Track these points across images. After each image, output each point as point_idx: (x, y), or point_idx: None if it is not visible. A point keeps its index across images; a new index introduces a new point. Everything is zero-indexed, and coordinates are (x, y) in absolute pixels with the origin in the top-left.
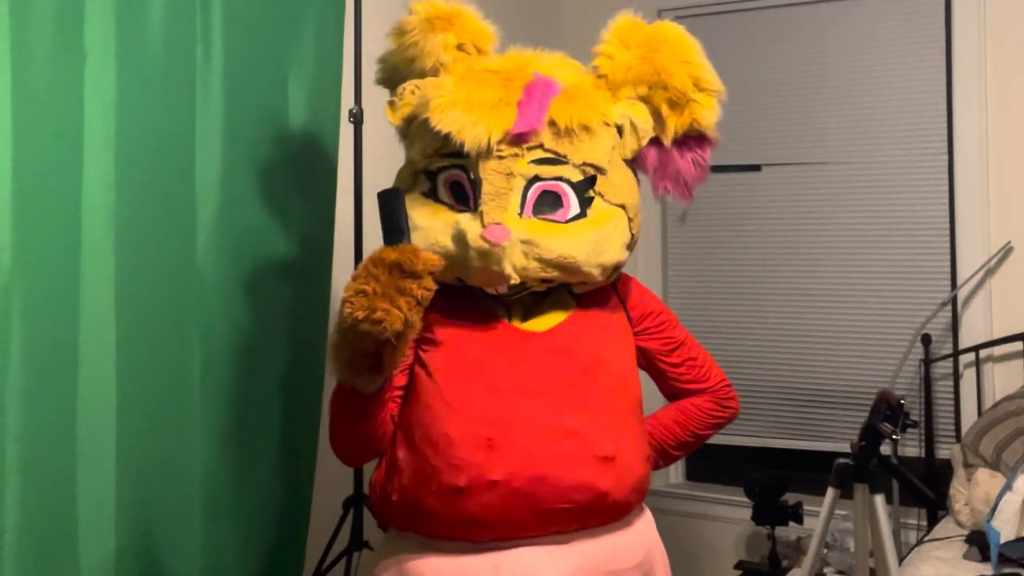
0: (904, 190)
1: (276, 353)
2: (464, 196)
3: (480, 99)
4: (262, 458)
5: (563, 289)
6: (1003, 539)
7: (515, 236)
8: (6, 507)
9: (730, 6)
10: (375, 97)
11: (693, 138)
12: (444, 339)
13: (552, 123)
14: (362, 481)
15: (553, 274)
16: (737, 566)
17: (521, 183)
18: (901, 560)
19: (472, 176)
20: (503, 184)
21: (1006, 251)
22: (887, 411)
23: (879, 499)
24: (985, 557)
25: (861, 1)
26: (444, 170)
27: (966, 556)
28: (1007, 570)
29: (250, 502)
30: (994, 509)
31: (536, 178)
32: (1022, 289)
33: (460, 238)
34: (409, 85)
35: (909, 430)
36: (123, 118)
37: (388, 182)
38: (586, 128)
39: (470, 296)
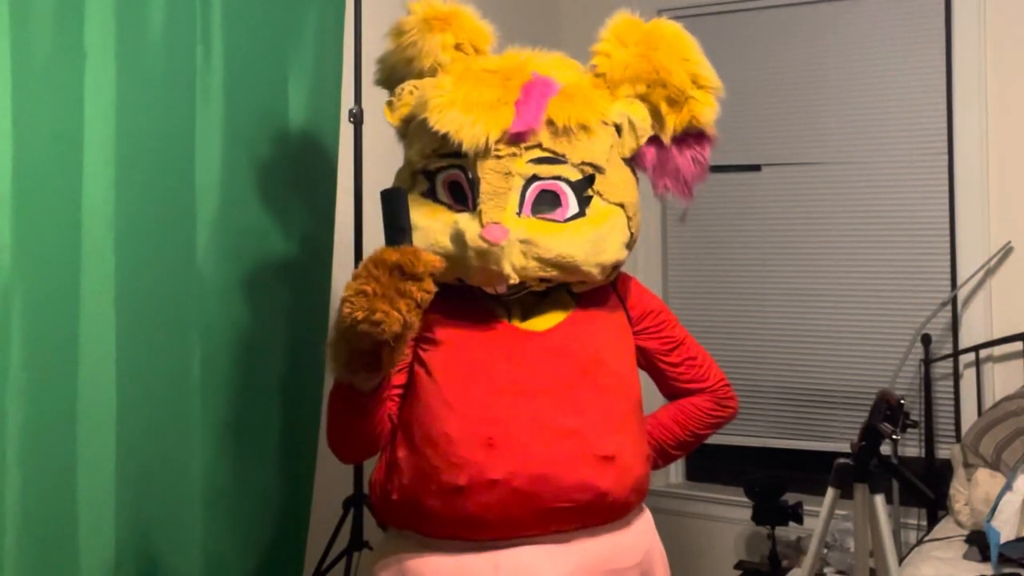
0: (904, 190)
1: (276, 353)
2: (463, 196)
3: (478, 99)
4: (262, 458)
5: (562, 289)
6: (1003, 539)
7: (514, 235)
8: (6, 506)
9: (730, 6)
10: (375, 97)
11: (692, 136)
12: (444, 339)
13: (550, 122)
14: (362, 481)
15: (552, 273)
16: (737, 566)
17: (519, 182)
18: (901, 560)
19: (470, 176)
20: (501, 183)
21: (1006, 251)
22: (887, 411)
23: (879, 499)
24: (985, 557)
25: (861, 1)
26: (443, 170)
27: (966, 556)
28: (1007, 570)
29: (250, 502)
30: (994, 509)
31: (534, 177)
32: (1022, 289)
33: (459, 238)
34: (407, 85)
35: (909, 430)
36: (123, 118)
37: (388, 182)
38: (584, 127)
39: (469, 296)
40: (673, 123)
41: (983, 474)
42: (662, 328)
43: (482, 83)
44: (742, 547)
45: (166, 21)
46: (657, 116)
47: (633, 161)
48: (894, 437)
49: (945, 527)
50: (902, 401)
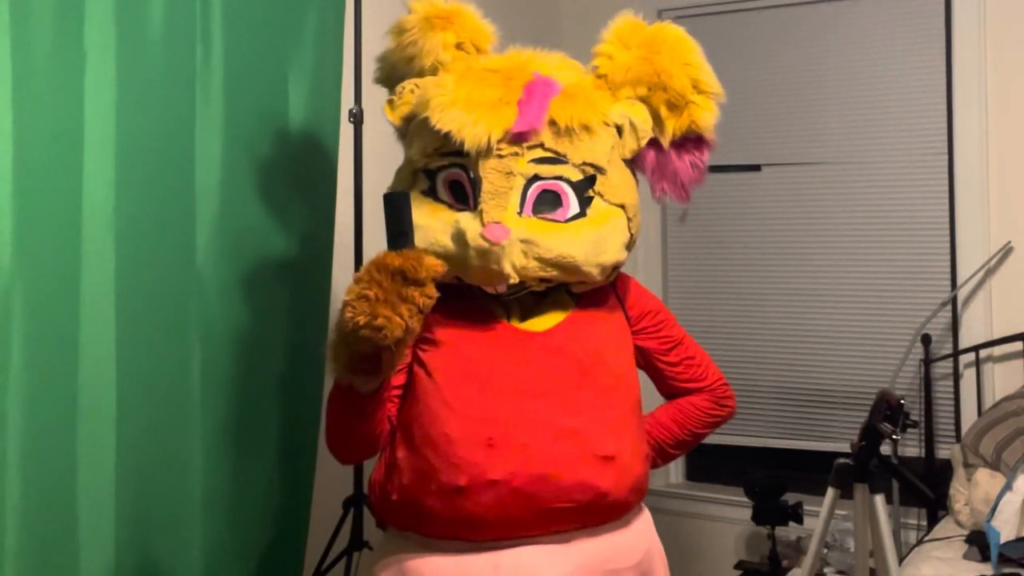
0: (904, 190)
1: (276, 353)
2: (463, 195)
3: (480, 98)
4: (262, 458)
5: (561, 289)
6: (1003, 539)
7: (514, 235)
8: (7, 507)
9: (730, 6)
10: (375, 97)
11: (691, 140)
12: (443, 339)
13: (552, 122)
14: (362, 481)
15: (552, 273)
16: (737, 566)
17: (521, 182)
18: (901, 560)
19: (472, 175)
20: (503, 183)
21: (1006, 251)
22: (887, 411)
23: (879, 499)
24: (985, 557)
25: (861, 1)
26: (444, 169)
27: (966, 556)
28: (1007, 570)
29: (250, 502)
30: (994, 509)
31: (536, 177)
32: (1022, 289)
33: (460, 237)
34: (408, 84)
35: (909, 430)
36: (123, 118)
37: (388, 182)
38: (586, 128)
39: (469, 296)
40: (673, 127)
41: (983, 474)
42: (660, 328)
43: (484, 82)
44: (742, 547)
45: (166, 21)
46: (657, 120)
47: (633, 163)
48: (894, 437)
49: (945, 527)
50: (902, 401)
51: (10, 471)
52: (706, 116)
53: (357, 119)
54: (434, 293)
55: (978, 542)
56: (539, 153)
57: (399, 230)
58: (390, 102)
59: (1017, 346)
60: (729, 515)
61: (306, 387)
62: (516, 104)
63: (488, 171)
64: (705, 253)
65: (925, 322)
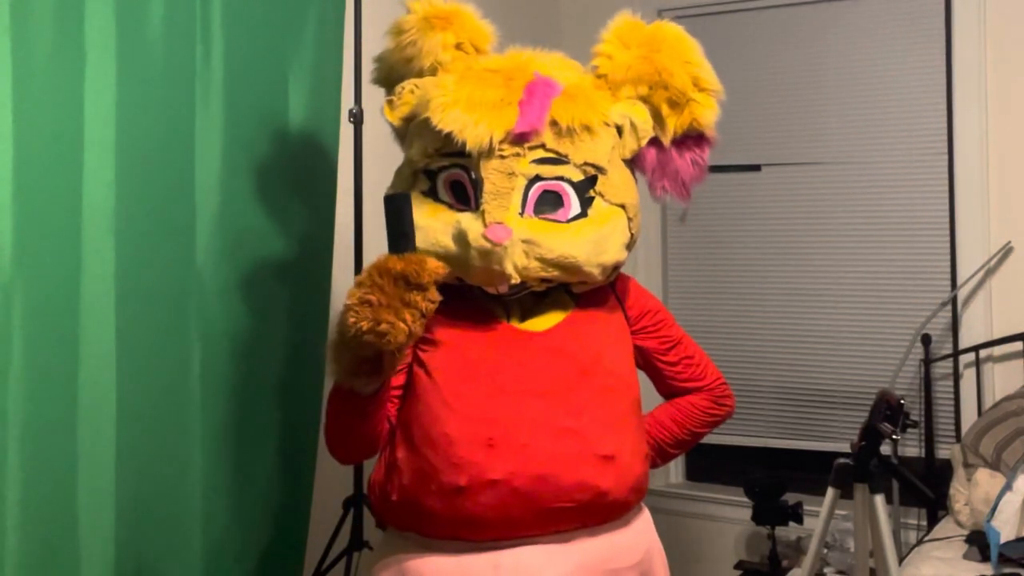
0: (904, 190)
1: (276, 353)
2: (465, 195)
3: (481, 98)
4: (262, 458)
5: (561, 289)
6: (1003, 539)
7: (516, 235)
8: (7, 507)
9: (730, 6)
10: (375, 97)
11: (692, 138)
12: (443, 339)
13: (554, 123)
14: (362, 481)
15: (554, 273)
16: (737, 566)
17: (522, 183)
18: (901, 560)
19: (473, 176)
20: (504, 183)
21: (1006, 251)
22: (887, 411)
23: (879, 499)
24: (985, 557)
25: (861, 1)
26: (444, 169)
27: (966, 556)
28: (1007, 570)
29: (250, 502)
30: (994, 509)
31: (537, 178)
32: (1022, 289)
33: (461, 237)
34: (408, 84)
35: (909, 430)
36: (123, 118)
37: (388, 182)
38: (587, 128)
39: (469, 296)
40: (674, 125)
41: (983, 474)
42: (660, 327)
43: (485, 83)
44: (742, 547)
45: (166, 21)
46: (658, 118)
47: (632, 162)
48: (894, 437)
49: (945, 527)
50: (902, 401)
51: (10, 471)
52: (707, 114)
53: (357, 119)
54: (437, 297)
55: (978, 542)
56: (540, 153)
57: (400, 232)
58: (389, 102)
59: (1017, 346)
60: (729, 515)
61: (306, 387)
62: (517, 104)
63: (490, 172)
64: (705, 253)
65: (925, 322)
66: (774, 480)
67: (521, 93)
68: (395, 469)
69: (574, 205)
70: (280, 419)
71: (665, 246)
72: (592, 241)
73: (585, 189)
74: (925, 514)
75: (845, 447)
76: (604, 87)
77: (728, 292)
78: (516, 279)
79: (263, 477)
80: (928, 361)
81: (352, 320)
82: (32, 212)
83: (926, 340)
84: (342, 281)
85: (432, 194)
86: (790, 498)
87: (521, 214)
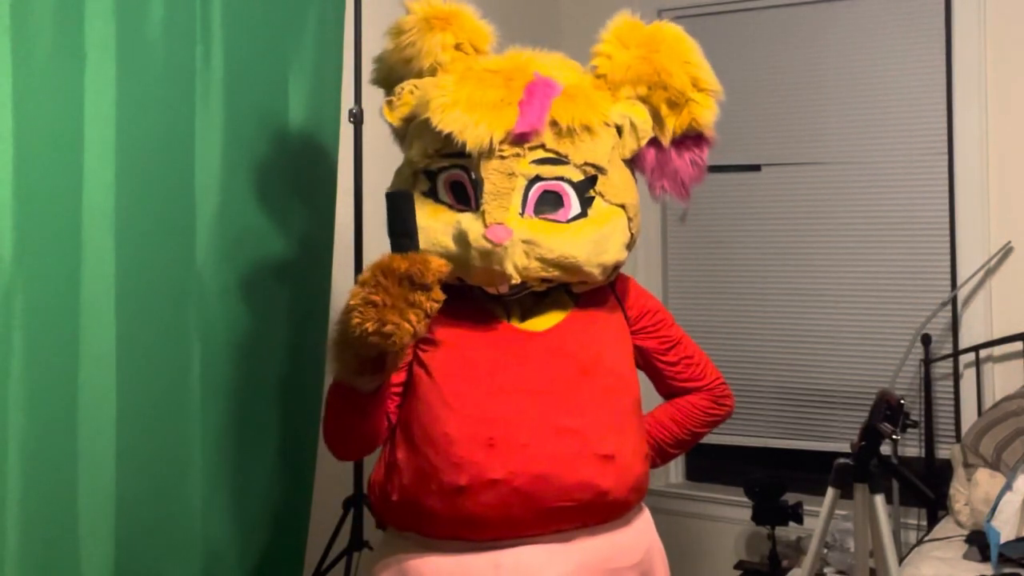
0: (904, 190)
1: (276, 353)
2: (465, 196)
3: (481, 99)
4: (262, 458)
5: (561, 289)
6: (1003, 539)
7: (517, 236)
8: (8, 506)
9: (730, 6)
10: (375, 97)
11: (691, 138)
12: (444, 339)
13: (554, 123)
14: (362, 481)
15: (554, 274)
16: (737, 566)
17: (522, 183)
18: (901, 560)
19: (473, 176)
20: (505, 184)
21: (1006, 251)
22: (887, 411)
23: (879, 499)
24: (985, 557)
25: (861, 1)
26: (445, 170)
27: (966, 556)
28: (1007, 570)
29: (250, 502)
30: (994, 509)
31: (537, 178)
32: (1022, 289)
33: (462, 238)
34: (408, 85)
35: (909, 430)
36: (123, 118)
37: (388, 182)
38: (587, 128)
39: (469, 296)
40: (673, 125)
41: (983, 474)
42: (659, 327)
43: (485, 83)
44: (742, 547)
45: (166, 21)
46: (657, 118)
47: (632, 162)
48: (894, 437)
49: (945, 527)
50: (902, 401)
51: (11, 471)
52: (706, 114)
53: (357, 119)
54: (441, 296)
55: (978, 542)
56: (540, 154)
57: (403, 231)
58: (389, 103)
59: (1017, 346)
60: (729, 515)
61: (306, 387)
62: (517, 105)
63: (490, 172)
64: (705, 253)
65: (925, 322)
66: (774, 480)
67: (521, 93)
68: (395, 469)
69: (574, 205)
70: (280, 419)
71: (665, 246)
72: (592, 241)
73: (585, 189)
74: (925, 514)
75: (845, 447)
76: (604, 87)
77: (728, 292)
78: (516, 279)
79: (263, 477)
80: (928, 361)
81: (357, 321)
82: (32, 212)
83: (926, 340)
84: (342, 281)
85: (432, 194)
86: (790, 498)
87: (521, 214)
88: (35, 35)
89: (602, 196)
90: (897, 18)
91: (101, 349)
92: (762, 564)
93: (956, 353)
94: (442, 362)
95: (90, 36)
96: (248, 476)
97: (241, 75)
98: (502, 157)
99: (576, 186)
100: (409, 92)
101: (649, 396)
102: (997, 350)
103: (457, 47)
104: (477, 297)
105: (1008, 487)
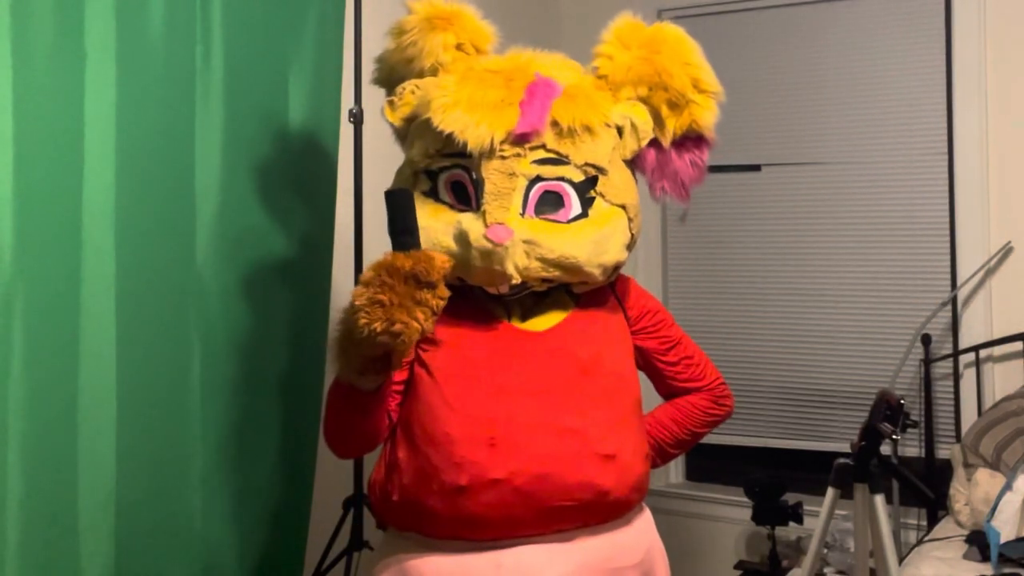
0: (904, 190)
1: (276, 353)
2: (465, 196)
3: (482, 99)
4: (262, 458)
5: (562, 289)
6: (1003, 539)
7: (517, 236)
8: (8, 506)
9: (730, 6)
10: (375, 97)
11: (691, 139)
12: (444, 339)
13: (555, 123)
14: (362, 481)
15: (555, 274)
16: (737, 566)
17: (523, 183)
18: (901, 560)
19: (474, 176)
20: (505, 184)
21: (1006, 251)
22: (887, 411)
23: (879, 499)
24: (985, 557)
25: (861, 1)
26: (445, 170)
27: (966, 556)
28: (1007, 570)
29: (250, 502)
30: (994, 509)
31: (538, 178)
32: (1022, 289)
33: (462, 238)
34: (409, 85)
35: (909, 430)
36: (123, 118)
37: (388, 182)
38: (588, 129)
39: (470, 296)
40: (673, 126)
41: (983, 474)
42: (659, 328)
43: (485, 83)
44: (742, 547)
45: (166, 21)
46: (658, 119)
47: (632, 163)
48: (894, 437)
49: (945, 527)
50: (902, 401)
51: (11, 471)
52: (707, 115)
53: (357, 119)
54: (446, 293)
55: (978, 542)
56: (541, 154)
57: (403, 228)
58: (390, 103)
59: (1017, 346)
60: (729, 515)
61: (306, 387)
62: (518, 105)
63: (491, 172)
64: (705, 253)
65: (925, 322)
66: (774, 480)
67: (522, 94)
68: (396, 469)
69: (575, 205)
70: (280, 419)
71: (665, 246)
72: (593, 241)
73: (586, 189)
74: (925, 514)
75: (845, 447)
76: (604, 88)
77: (728, 292)
78: (517, 279)
79: (263, 477)
80: (928, 361)
81: (364, 321)
82: (32, 212)
83: (926, 340)
84: (342, 281)
85: (433, 194)
86: (790, 498)
87: (522, 214)
88: (35, 35)
89: (603, 196)
90: (897, 18)
91: (101, 349)
92: (762, 564)
93: (956, 353)
94: (443, 362)
95: (90, 36)
96: (248, 476)
97: (241, 75)
98: (503, 157)
99: (577, 186)
100: (410, 92)
101: (649, 396)
102: (997, 350)
103: (458, 47)
104: (478, 297)
105: (1008, 487)
